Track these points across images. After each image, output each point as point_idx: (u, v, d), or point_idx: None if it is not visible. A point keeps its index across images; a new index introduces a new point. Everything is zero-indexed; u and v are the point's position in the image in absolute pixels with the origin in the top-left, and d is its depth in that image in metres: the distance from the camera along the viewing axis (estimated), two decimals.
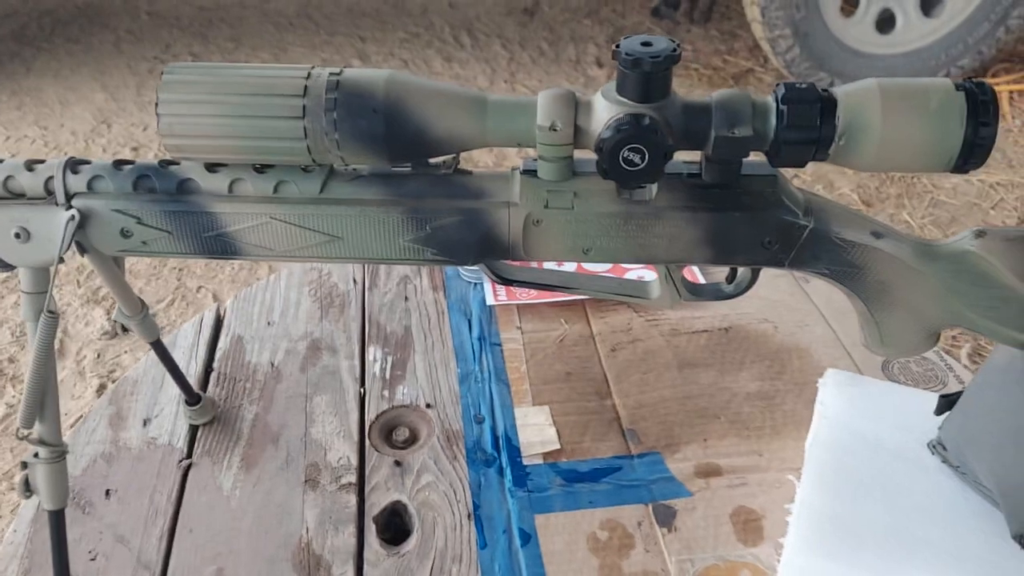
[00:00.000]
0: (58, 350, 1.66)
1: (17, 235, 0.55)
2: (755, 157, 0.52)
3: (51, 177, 0.55)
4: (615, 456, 0.76)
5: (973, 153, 0.47)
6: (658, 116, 0.48)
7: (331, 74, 0.49)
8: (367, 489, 0.73)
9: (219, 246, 0.56)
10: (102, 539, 0.69)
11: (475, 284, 0.98)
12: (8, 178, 0.55)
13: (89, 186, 0.55)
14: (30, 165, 0.55)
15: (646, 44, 0.47)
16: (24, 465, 0.59)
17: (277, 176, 0.54)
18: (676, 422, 0.79)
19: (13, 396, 1.55)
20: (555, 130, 0.49)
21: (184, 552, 0.68)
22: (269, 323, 0.93)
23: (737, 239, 0.54)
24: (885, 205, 2.08)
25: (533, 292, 0.94)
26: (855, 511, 0.66)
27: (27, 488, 0.59)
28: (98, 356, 1.65)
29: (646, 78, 0.47)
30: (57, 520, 0.60)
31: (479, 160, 2.25)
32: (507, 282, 0.61)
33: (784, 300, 0.95)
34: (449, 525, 0.70)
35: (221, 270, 1.89)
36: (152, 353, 0.78)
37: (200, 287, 1.85)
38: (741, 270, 0.61)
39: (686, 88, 2.68)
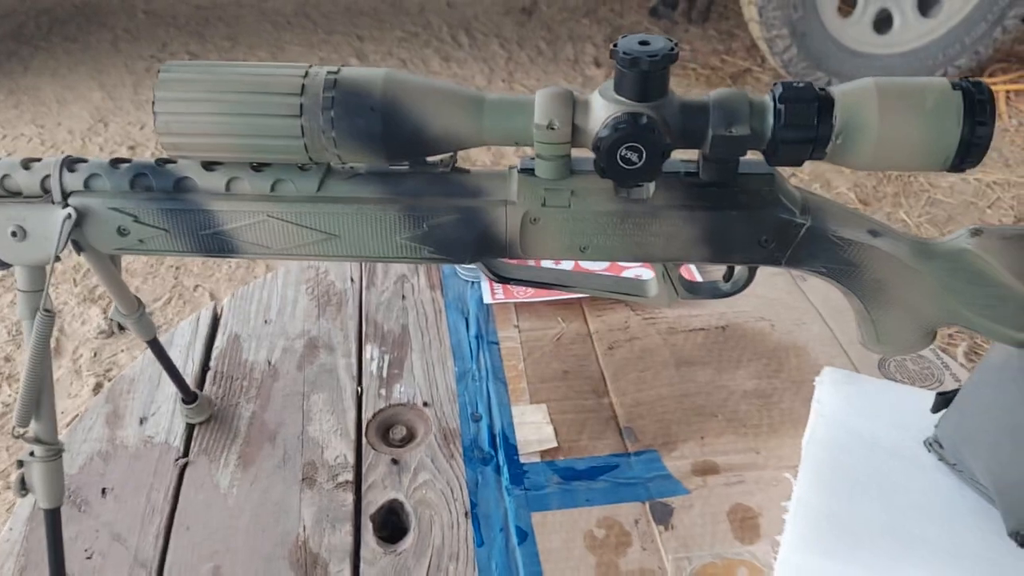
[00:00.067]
0: (54, 349, 1.66)
1: (13, 233, 0.55)
2: (752, 156, 0.52)
3: (48, 175, 0.55)
4: (612, 454, 0.76)
5: (970, 152, 0.47)
6: (656, 115, 0.48)
7: (329, 72, 0.49)
8: (364, 487, 0.73)
9: (216, 244, 0.56)
10: (98, 537, 0.69)
11: (472, 283, 0.98)
12: (4, 176, 0.55)
13: (86, 184, 0.55)
14: (26, 163, 0.55)
15: (644, 43, 0.47)
16: (20, 463, 0.59)
17: (274, 174, 0.54)
18: (673, 420, 0.79)
19: (9, 395, 1.55)
20: (553, 129, 0.49)
21: (181, 550, 0.68)
22: (266, 321, 0.93)
23: (734, 237, 0.54)
24: (882, 204, 2.09)
25: (530, 291, 0.94)
26: (852, 509, 0.66)
27: (23, 486, 0.59)
28: (94, 355, 1.65)
29: (644, 77, 0.47)
30: (53, 518, 0.60)
31: (476, 159, 2.25)
32: (504, 280, 0.61)
33: (781, 298, 0.95)
34: (446, 523, 0.70)
35: (218, 268, 1.89)
36: (149, 351, 0.78)
37: (197, 286, 1.85)
38: (738, 268, 0.61)
39: (684, 88, 2.69)
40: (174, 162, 0.55)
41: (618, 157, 0.48)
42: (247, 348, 0.90)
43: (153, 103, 0.50)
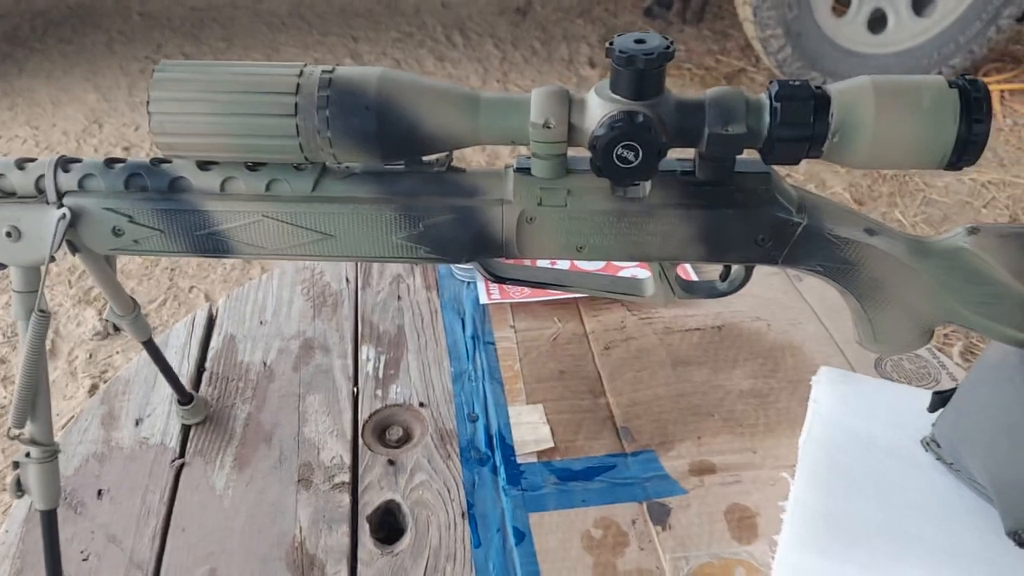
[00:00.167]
0: (50, 350, 1.65)
1: (8, 234, 0.54)
2: (749, 155, 0.52)
3: (42, 176, 0.54)
4: (609, 454, 0.76)
5: (966, 150, 0.47)
6: (652, 113, 0.48)
7: (323, 72, 0.49)
8: (360, 488, 0.73)
9: (211, 244, 0.56)
10: (94, 539, 0.69)
11: (468, 283, 0.98)
12: None
13: (80, 184, 0.55)
14: (21, 164, 0.55)
15: (640, 41, 0.47)
16: (16, 465, 0.58)
17: (269, 174, 0.54)
18: (670, 420, 0.79)
19: (4, 396, 1.54)
20: (549, 127, 0.49)
21: (177, 552, 0.68)
22: (262, 322, 0.93)
23: (731, 236, 0.54)
24: (877, 204, 2.09)
25: (526, 291, 0.94)
26: (849, 508, 0.66)
27: (19, 488, 0.59)
28: (90, 356, 1.65)
29: (640, 75, 0.47)
30: (49, 520, 0.59)
31: (472, 160, 2.25)
32: (501, 280, 0.61)
33: (777, 298, 0.95)
34: (443, 524, 0.70)
35: (213, 270, 1.89)
36: (144, 353, 0.78)
37: (192, 287, 1.84)
38: (735, 267, 0.61)
39: (678, 88, 2.68)
40: (169, 162, 0.55)
41: (614, 156, 0.48)
42: (243, 349, 0.89)
43: (148, 103, 0.50)
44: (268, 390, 0.84)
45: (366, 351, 0.89)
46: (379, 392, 0.83)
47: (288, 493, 0.73)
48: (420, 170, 0.55)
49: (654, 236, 0.54)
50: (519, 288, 0.95)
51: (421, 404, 0.82)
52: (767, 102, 0.49)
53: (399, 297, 0.97)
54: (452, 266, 0.99)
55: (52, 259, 0.54)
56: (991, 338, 0.58)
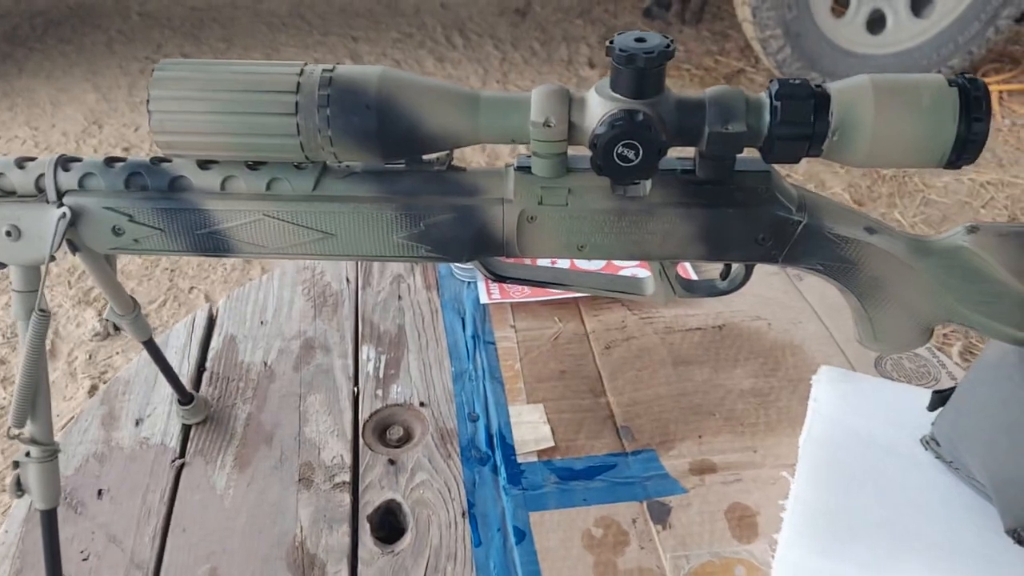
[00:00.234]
0: (49, 351, 1.65)
1: (8, 233, 0.54)
2: (749, 153, 0.52)
3: (42, 175, 0.54)
4: (609, 453, 0.76)
5: (966, 149, 0.47)
6: (652, 112, 0.48)
7: (324, 70, 0.49)
8: (361, 488, 0.73)
9: (211, 243, 0.56)
10: (94, 539, 0.69)
11: (469, 283, 0.98)
12: None
13: (80, 184, 0.55)
14: (21, 163, 0.55)
15: (640, 40, 0.47)
16: (16, 464, 0.58)
17: (270, 173, 0.54)
18: (670, 419, 0.79)
19: (4, 397, 1.54)
20: (549, 126, 0.49)
21: (177, 551, 0.68)
22: (262, 322, 0.93)
23: (731, 235, 0.54)
24: (877, 204, 2.09)
25: (527, 291, 0.94)
26: (849, 506, 0.66)
27: (19, 487, 0.59)
28: (89, 357, 1.65)
29: (640, 74, 0.47)
30: (49, 520, 0.59)
31: (471, 161, 2.25)
32: (501, 279, 0.61)
33: (777, 297, 0.95)
34: (444, 523, 0.70)
35: (213, 271, 1.89)
36: (144, 353, 0.78)
37: (192, 288, 1.84)
38: (735, 266, 0.61)
39: (677, 88, 2.68)
40: (169, 161, 0.55)
41: (615, 154, 0.48)
42: (243, 349, 0.89)
43: (148, 101, 0.50)
44: (269, 390, 0.84)
45: (367, 351, 0.89)
46: (380, 392, 0.83)
47: (289, 493, 0.73)
48: (420, 169, 0.55)
49: (654, 235, 0.55)
50: (519, 288, 0.95)
51: (422, 404, 0.82)
52: (767, 101, 0.49)
53: (400, 297, 0.97)
54: (452, 266, 0.99)
55: (52, 258, 0.54)
56: (991, 337, 0.58)
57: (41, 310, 0.55)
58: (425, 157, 0.55)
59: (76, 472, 0.75)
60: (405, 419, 0.81)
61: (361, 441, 0.78)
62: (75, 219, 0.54)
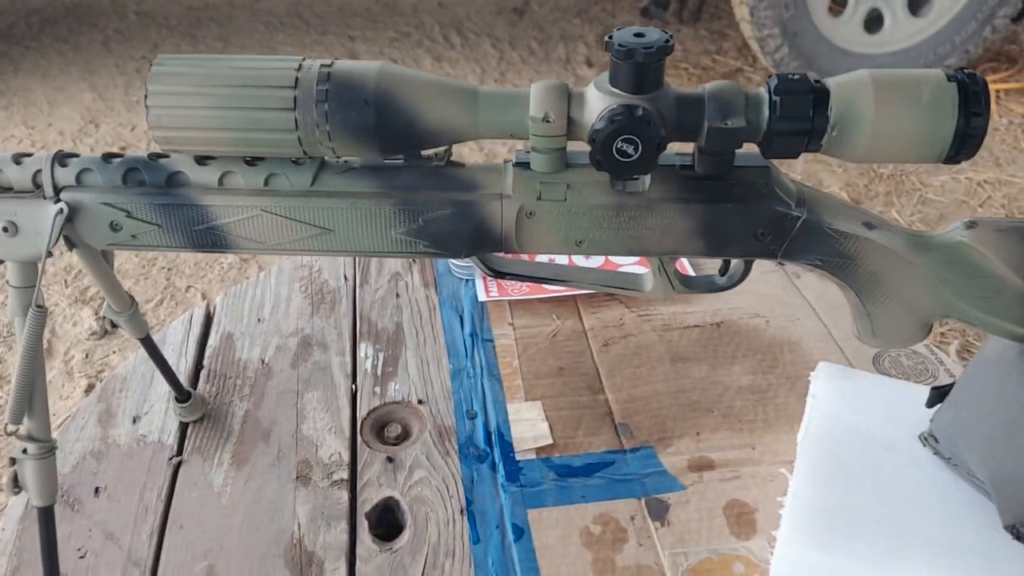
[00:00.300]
0: (46, 350, 1.65)
1: (4, 229, 0.54)
2: (748, 148, 0.52)
3: (39, 170, 0.54)
4: (608, 450, 0.76)
5: (965, 144, 0.47)
6: (651, 107, 0.48)
7: (322, 65, 0.49)
8: (359, 485, 0.73)
9: (209, 239, 0.56)
10: (91, 536, 0.69)
11: (467, 280, 0.98)
12: None
13: (78, 179, 0.54)
14: (18, 159, 0.54)
15: (639, 35, 0.47)
16: (12, 461, 0.58)
17: (268, 169, 0.54)
18: (669, 416, 0.79)
19: (0, 396, 1.53)
20: (548, 121, 0.49)
21: (175, 549, 0.68)
22: (259, 320, 0.93)
23: (730, 231, 0.54)
24: (874, 203, 2.09)
25: (525, 288, 0.94)
26: (847, 503, 0.66)
27: (15, 484, 0.58)
28: (86, 356, 1.64)
29: (639, 69, 0.47)
30: (46, 517, 0.59)
31: (468, 159, 2.25)
32: (499, 275, 0.61)
33: (776, 295, 0.95)
34: (442, 520, 0.69)
35: (210, 269, 1.88)
36: (141, 350, 0.78)
37: (189, 287, 1.84)
38: (734, 262, 0.61)
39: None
40: (167, 156, 0.55)
41: (614, 149, 0.48)
42: (240, 346, 0.89)
43: (146, 96, 0.49)
44: (266, 387, 0.84)
45: (364, 348, 0.89)
46: (377, 389, 0.83)
47: (286, 490, 0.73)
48: (419, 164, 0.55)
49: (653, 230, 0.54)
50: (518, 286, 0.95)
51: (420, 401, 0.82)
52: (766, 96, 0.49)
53: (397, 294, 0.97)
54: (451, 263, 0.99)
55: (50, 254, 0.54)
56: (989, 332, 0.58)
57: (38, 306, 0.55)
58: (424, 153, 0.55)
59: (73, 470, 0.75)
60: (403, 417, 0.81)
61: (359, 438, 0.78)
62: (72, 215, 0.54)
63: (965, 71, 0.48)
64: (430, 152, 0.55)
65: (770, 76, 0.49)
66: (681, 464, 0.74)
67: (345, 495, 0.72)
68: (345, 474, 0.74)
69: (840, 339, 0.88)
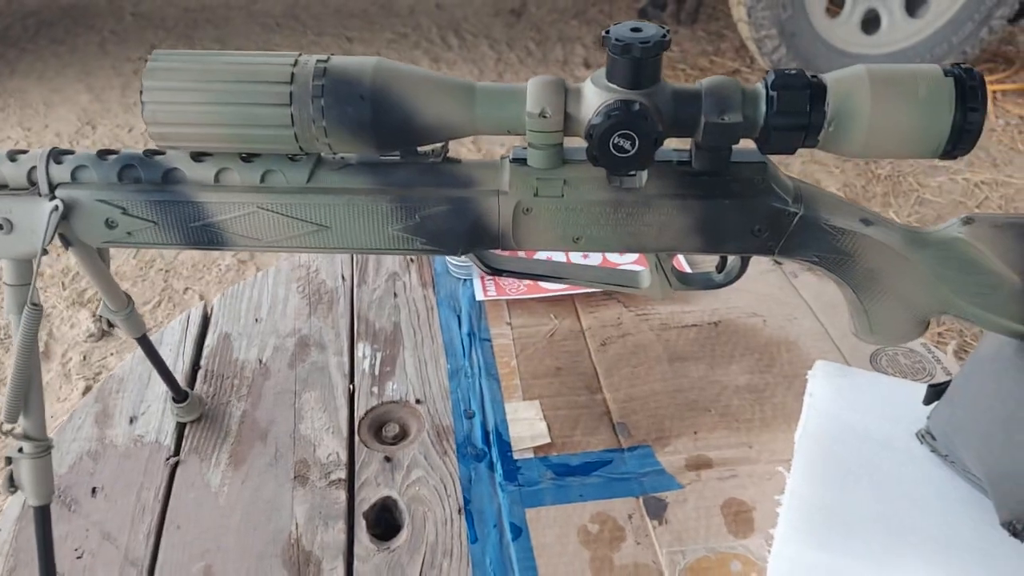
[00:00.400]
0: (43, 352, 1.65)
1: (0, 226, 0.54)
2: (745, 144, 0.52)
3: (34, 167, 0.54)
4: (606, 449, 0.76)
5: (962, 139, 0.47)
6: (648, 102, 0.48)
7: (319, 61, 0.49)
8: (357, 485, 0.73)
9: (205, 236, 0.55)
10: (88, 537, 0.69)
11: (464, 280, 0.98)
12: None
13: (73, 176, 0.54)
14: (12, 155, 0.54)
15: (636, 30, 0.47)
16: (8, 460, 0.58)
17: (264, 165, 0.54)
18: (666, 415, 0.79)
19: None
20: (545, 117, 0.49)
21: (172, 549, 0.68)
22: (257, 320, 0.93)
23: (727, 226, 0.54)
24: (871, 203, 2.10)
25: (523, 287, 0.94)
26: (844, 500, 0.66)
27: (11, 484, 0.58)
28: (84, 358, 1.64)
29: (636, 64, 0.47)
30: (42, 516, 0.59)
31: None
32: (496, 272, 0.60)
33: (773, 294, 0.95)
34: (440, 520, 0.69)
35: (208, 271, 1.88)
36: (139, 350, 0.77)
37: (187, 288, 1.83)
38: (731, 259, 0.61)
39: None
40: (163, 153, 0.55)
41: (611, 145, 0.48)
42: (238, 346, 0.89)
43: (141, 92, 0.49)
44: (264, 387, 0.84)
45: (362, 348, 0.88)
46: (375, 389, 0.83)
47: (284, 490, 0.72)
48: (415, 161, 0.55)
49: (650, 227, 0.54)
50: (515, 285, 0.95)
51: (417, 401, 0.82)
52: (763, 91, 0.49)
53: (395, 294, 0.96)
54: (448, 262, 0.99)
55: (45, 252, 0.54)
56: (986, 329, 0.58)
57: (33, 304, 0.54)
58: (420, 149, 0.54)
59: (70, 470, 0.75)
60: (401, 416, 0.80)
61: (357, 438, 0.77)
62: (67, 212, 0.54)
63: (962, 66, 0.48)
64: (427, 148, 0.55)
65: (767, 71, 0.49)
66: (679, 463, 0.74)
67: (343, 495, 0.72)
68: (343, 474, 0.74)
69: (837, 338, 0.88)
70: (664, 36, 0.46)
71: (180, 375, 0.84)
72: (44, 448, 0.58)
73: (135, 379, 0.85)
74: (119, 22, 3.32)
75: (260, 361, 0.87)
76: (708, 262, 0.95)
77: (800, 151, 0.53)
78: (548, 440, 0.76)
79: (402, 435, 0.78)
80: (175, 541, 0.68)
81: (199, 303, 0.96)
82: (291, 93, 0.48)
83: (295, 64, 0.49)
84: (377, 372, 0.85)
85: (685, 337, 0.89)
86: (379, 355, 0.87)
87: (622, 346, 0.88)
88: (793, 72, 0.48)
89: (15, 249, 0.55)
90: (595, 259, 0.94)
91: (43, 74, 2.88)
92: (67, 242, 0.57)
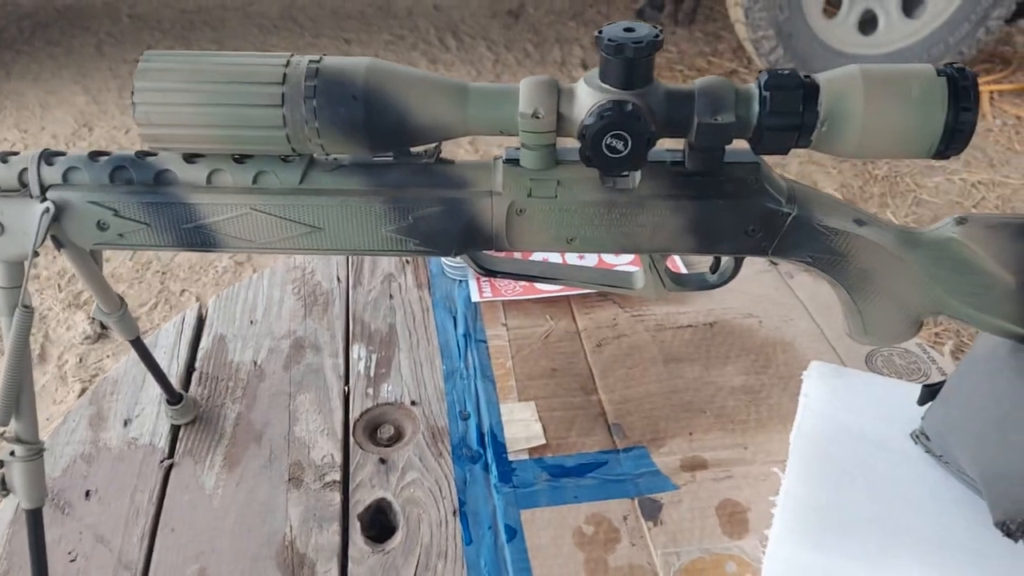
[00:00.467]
0: (40, 355, 1.64)
1: None
2: (738, 145, 0.52)
3: (25, 169, 0.54)
4: (601, 451, 0.75)
5: (954, 139, 0.47)
6: (641, 103, 0.47)
7: (311, 61, 0.49)
8: (351, 487, 0.73)
9: (198, 238, 0.55)
10: (82, 539, 0.68)
11: (460, 281, 0.98)
12: None
13: (64, 178, 0.54)
14: (3, 157, 0.54)
15: (629, 30, 0.47)
16: (0, 464, 0.58)
17: (256, 166, 0.54)
18: (661, 416, 0.79)
19: None
20: (538, 117, 0.49)
21: (166, 552, 0.67)
22: (252, 322, 0.92)
23: (721, 227, 0.54)
24: (868, 204, 2.10)
25: (518, 289, 0.94)
26: (839, 500, 0.66)
27: (3, 487, 0.58)
28: (80, 360, 1.63)
29: (629, 64, 0.47)
30: (35, 519, 0.59)
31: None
32: (490, 273, 0.60)
33: (769, 295, 0.95)
34: (434, 521, 0.69)
35: (204, 273, 1.88)
36: (133, 353, 0.77)
37: (183, 291, 1.83)
38: (725, 259, 0.61)
39: None
40: (155, 155, 0.54)
41: (604, 145, 0.48)
42: (232, 348, 0.89)
43: (132, 93, 0.49)
44: (258, 389, 0.83)
45: (357, 350, 0.88)
46: (370, 391, 0.83)
47: (278, 492, 0.72)
48: (408, 162, 0.55)
49: (644, 227, 0.54)
50: (511, 286, 0.94)
51: (412, 402, 0.81)
52: (756, 91, 0.48)
53: (391, 296, 0.96)
54: (443, 264, 0.99)
55: (36, 254, 0.54)
56: (980, 329, 0.58)
57: (25, 306, 0.54)
58: (413, 149, 0.54)
59: (63, 473, 0.74)
60: (396, 418, 0.80)
61: (352, 440, 0.77)
62: (59, 214, 0.54)
63: (954, 66, 0.48)
64: (420, 149, 0.54)
65: (760, 71, 0.49)
66: (674, 464, 0.74)
67: (337, 497, 0.72)
68: (337, 476, 0.73)
69: (833, 339, 0.88)
70: (657, 36, 0.46)
71: (174, 377, 0.84)
72: (36, 451, 0.57)
73: (129, 381, 0.85)
74: (115, 24, 3.32)
75: (255, 363, 0.87)
76: (703, 263, 0.95)
77: (797, 152, 0.53)
78: (543, 441, 0.76)
79: (397, 437, 0.78)
80: (169, 544, 0.68)
81: (194, 305, 0.96)
82: (283, 94, 0.48)
83: (287, 65, 0.49)
84: (372, 374, 0.85)
85: (680, 338, 0.89)
86: (374, 357, 0.87)
87: (617, 347, 0.88)
88: (786, 72, 0.48)
89: (6, 251, 0.55)
90: (591, 260, 0.94)
91: (39, 76, 2.87)
92: (59, 244, 0.56)
